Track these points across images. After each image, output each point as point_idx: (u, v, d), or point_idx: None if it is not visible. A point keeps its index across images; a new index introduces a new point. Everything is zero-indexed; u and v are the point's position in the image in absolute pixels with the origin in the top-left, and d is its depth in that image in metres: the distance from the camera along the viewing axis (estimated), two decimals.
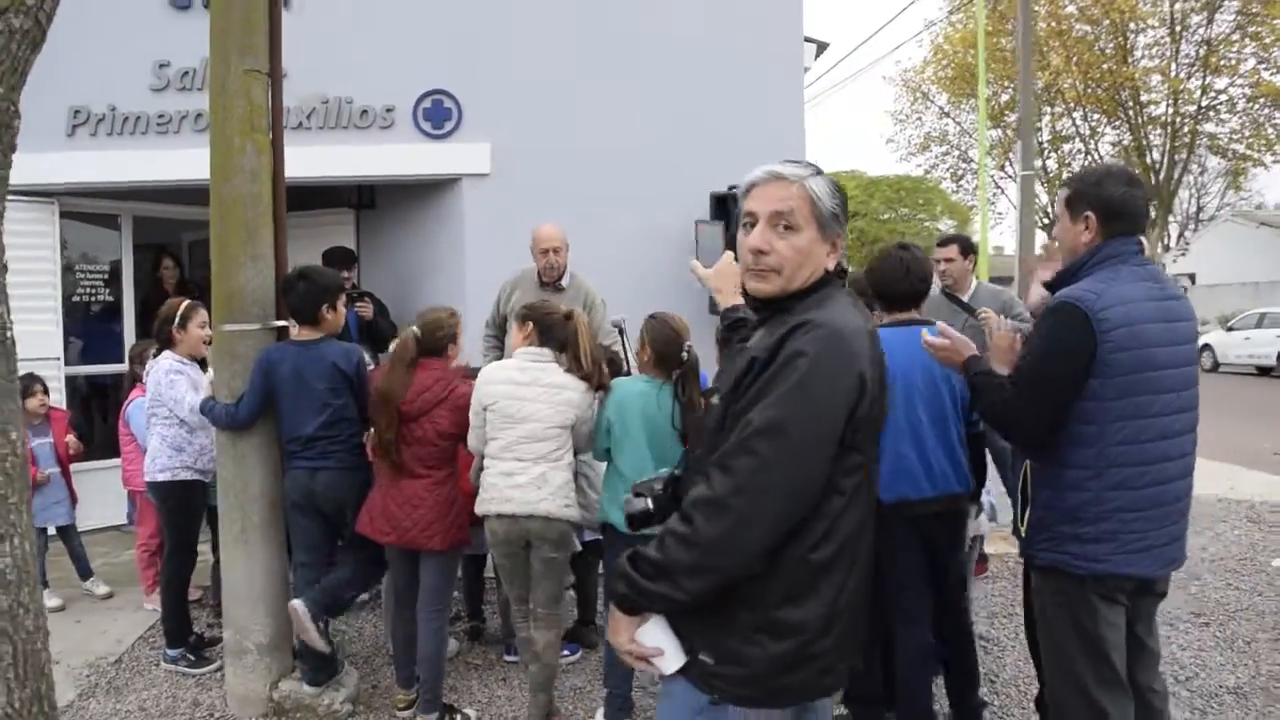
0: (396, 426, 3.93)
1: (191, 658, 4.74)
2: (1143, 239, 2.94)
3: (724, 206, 6.73)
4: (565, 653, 4.56)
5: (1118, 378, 2.70)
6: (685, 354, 3.89)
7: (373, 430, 4.03)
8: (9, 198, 2.23)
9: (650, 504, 2.27)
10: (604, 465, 4.11)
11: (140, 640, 5.18)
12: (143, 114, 6.68)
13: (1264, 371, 23.31)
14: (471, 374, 4.25)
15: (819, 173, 2.11)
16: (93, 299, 7.59)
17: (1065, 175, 37.19)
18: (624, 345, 4.87)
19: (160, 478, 4.73)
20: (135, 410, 5.35)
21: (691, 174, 6.91)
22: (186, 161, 6.48)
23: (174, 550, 4.79)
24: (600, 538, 4.28)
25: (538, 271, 5.49)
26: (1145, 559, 2.79)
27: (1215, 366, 25.06)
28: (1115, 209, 2.86)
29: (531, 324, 3.98)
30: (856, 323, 2.00)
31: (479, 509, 3.89)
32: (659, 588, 1.92)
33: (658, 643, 2.00)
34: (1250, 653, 4.83)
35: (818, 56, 8.13)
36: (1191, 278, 40.95)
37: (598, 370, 3.96)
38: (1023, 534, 3.00)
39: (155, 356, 4.93)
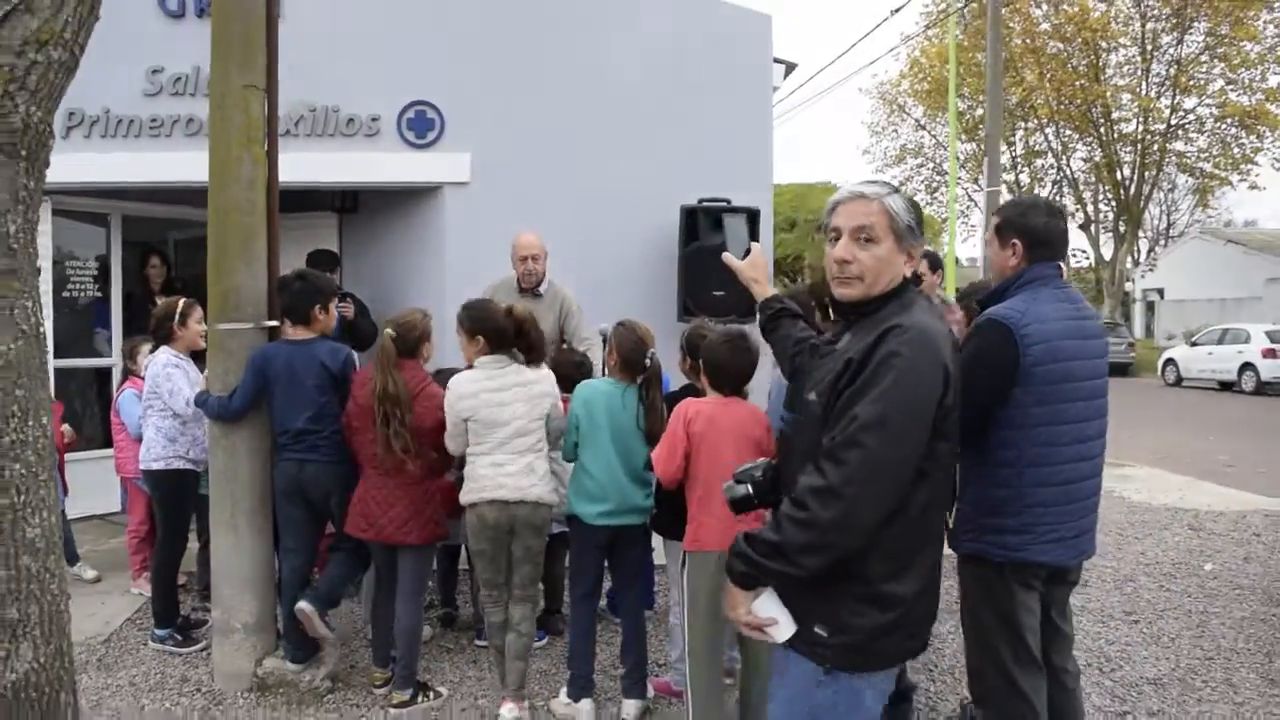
0: (405, 421, 4.15)
1: (179, 637, 4.99)
2: (1061, 264, 3.27)
3: (693, 219, 7.01)
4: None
5: (1037, 387, 3.02)
6: (648, 361, 4.17)
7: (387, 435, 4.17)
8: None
9: (751, 490, 2.58)
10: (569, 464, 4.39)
11: (128, 622, 5.42)
12: (136, 117, 6.88)
13: (1226, 386, 23.80)
14: (441, 375, 4.52)
15: (896, 190, 2.41)
16: (81, 294, 7.81)
17: (1035, 190, 37.94)
18: (603, 351, 5.16)
19: (155, 466, 4.98)
20: (126, 402, 5.60)
21: (663, 188, 7.18)
22: (177, 164, 6.73)
23: (166, 536, 5.04)
24: (567, 530, 4.55)
25: (517, 278, 5.77)
26: (1057, 549, 3.10)
27: (1179, 381, 25.54)
28: (1039, 237, 3.19)
29: (482, 337, 4.16)
30: (937, 324, 2.32)
31: (466, 498, 4.12)
32: (777, 565, 2.20)
33: (771, 614, 2.30)
34: (1173, 648, 5.17)
35: (786, 76, 8.44)
36: (1160, 293, 41.67)
37: (533, 352, 4.24)
38: (950, 526, 3.32)
39: (151, 352, 5.18)
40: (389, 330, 4.26)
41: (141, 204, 7.90)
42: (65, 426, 5.98)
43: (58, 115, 7.04)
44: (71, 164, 6.85)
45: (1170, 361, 26.29)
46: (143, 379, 5.34)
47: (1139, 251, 45.30)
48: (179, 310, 5.08)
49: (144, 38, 6.87)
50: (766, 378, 4.06)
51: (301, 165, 6.59)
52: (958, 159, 34.24)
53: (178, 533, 5.08)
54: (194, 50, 6.64)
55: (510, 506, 4.05)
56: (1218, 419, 17.29)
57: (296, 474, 4.40)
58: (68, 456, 6.33)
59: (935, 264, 6.11)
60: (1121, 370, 29.27)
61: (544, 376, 4.22)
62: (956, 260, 21.27)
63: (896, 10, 22.58)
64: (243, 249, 4.33)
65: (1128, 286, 43.10)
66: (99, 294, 7.88)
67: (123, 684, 4.58)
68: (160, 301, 5.82)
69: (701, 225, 7.01)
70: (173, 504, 5.07)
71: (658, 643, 4.91)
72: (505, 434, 4.07)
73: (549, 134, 7.27)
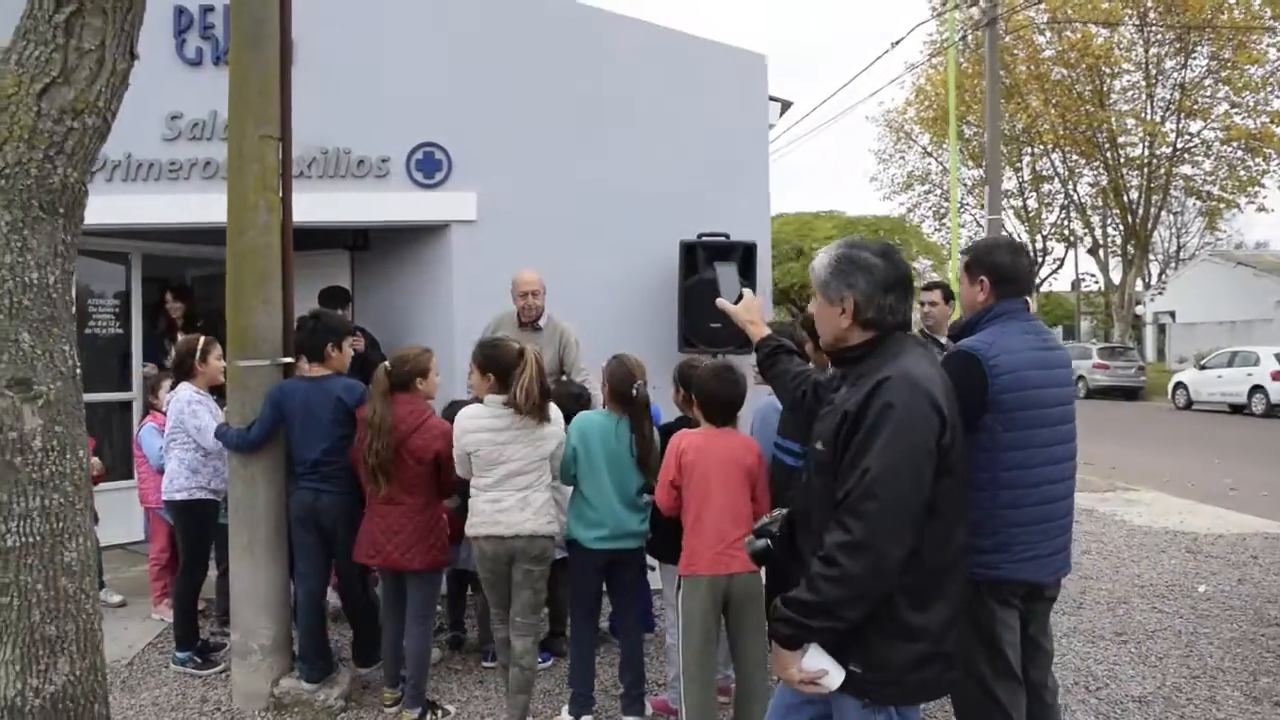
0: (390, 450, 4.38)
1: (198, 660, 5.20)
2: (1028, 298, 3.48)
3: (692, 254, 7.26)
4: (539, 660, 5.03)
5: (1005, 413, 3.21)
6: (635, 392, 4.36)
7: (365, 457, 4.42)
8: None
9: (770, 543, 2.80)
10: (570, 489, 4.58)
11: (150, 646, 5.64)
12: (156, 161, 7.15)
13: (1236, 409, 23.80)
14: (452, 408, 4.74)
15: (836, 249, 2.71)
16: (103, 330, 8.07)
17: (1043, 214, 38.11)
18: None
19: (178, 497, 5.21)
20: (147, 435, 5.84)
21: (663, 224, 7.44)
22: (195, 205, 7.02)
23: (188, 563, 5.27)
24: (568, 555, 4.73)
25: (517, 312, 6.01)
26: (1033, 566, 3.27)
27: (1189, 404, 25.52)
28: (1004, 274, 3.40)
29: (493, 375, 4.31)
30: (927, 368, 2.55)
31: (469, 531, 4.33)
32: (822, 622, 2.42)
33: (821, 665, 2.47)
34: (1160, 667, 5.32)
35: (782, 114, 8.72)
36: (1172, 315, 41.72)
37: (534, 407, 4.23)
38: None
39: (173, 387, 5.42)
40: (384, 364, 4.52)
41: (160, 243, 8.18)
42: (95, 459, 6.22)
43: None
44: (94, 206, 6.91)
45: (1180, 385, 26.29)
46: (163, 413, 5.57)
47: (1150, 274, 45.42)
48: (200, 347, 5.32)
49: (164, 85, 7.15)
50: (747, 408, 4.26)
51: (315, 205, 6.85)
52: (964, 185, 34.59)
53: (199, 560, 5.31)
54: (211, 97, 6.94)
55: (506, 541, 4.25)
56: (1225, 442, 17.36)
57: (312, 502, 4.63)
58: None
59: (949, 295, 6.35)
60: (1132, 394, 29.33)
61: (557, 417, 4.38)
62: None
63: (897, 43, 23.01)
64: (259, 289, 4.57)
65: (1139, 309, 43.19)
66: (120, 330, 8.14)
67: (146, 704, 4.79)
68: (181, 338, 6.06)
69: (700, 259, 7.26)
70: (195, 532, 5.29)
71: (657, 664, 5.10)
72: (504, 471, 4.25)
73: (552, 173, 7.53)
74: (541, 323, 6.04)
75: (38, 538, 2.57)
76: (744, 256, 7.30)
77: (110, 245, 7.87)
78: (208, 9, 7.27)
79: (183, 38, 7.24)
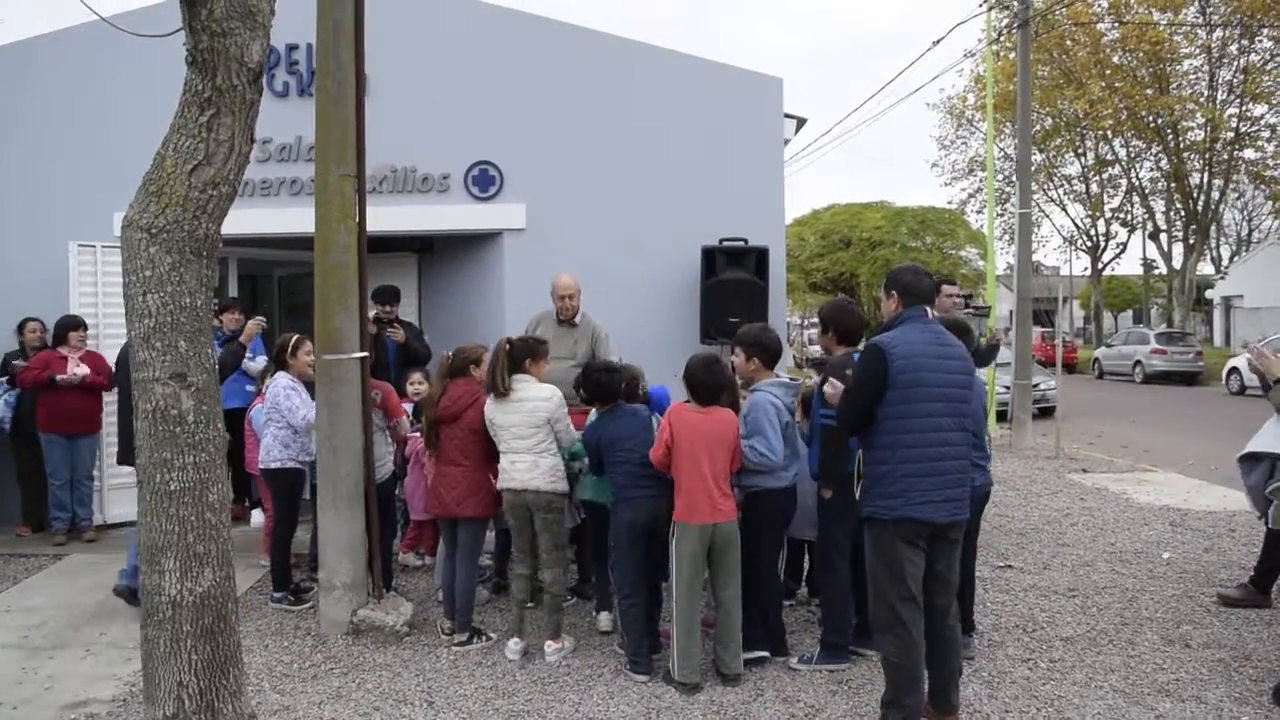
0: (435, 424, 5.55)
1: (291, 599, 6.34)
2: (928, 308, 4.43)
3: (712, 258, 8.25)
4: (566, 600, 6.10)
5: (901, 390, 4.18)
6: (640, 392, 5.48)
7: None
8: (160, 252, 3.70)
9: None
10: None
11: (251, 589, 6.79)
12: (250, 180, 8.28)
13: None
14: None
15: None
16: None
17: (1105, 199, 38.01)
18: None
19: (273, 466, 6.34)
20: (257, 414, 7.01)
21: (686, 231, 8.50)
22: (284, 218, 8.22)
23: (280, 520, 6.41)
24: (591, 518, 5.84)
25: (556, 311, 7.02)
26: (927, 508, 4.20)
27: (1242, 389, 25.44)
28: (908, 289, 4.39)
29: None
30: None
31: (499, 485, 5.43)
32: None
33: None
34: (1097, 616, 6.10)
35: (797, 131, 9.61)
36: (1241, 299, 41.31)
37: (493, 384, 5.40)
38: (857, 496, 4.48)
39: (271, 376, 6.54)
40: (447, 353, 5.69)
41: (252, 249, 9.43)
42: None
43: None
44: None
45: (1234, 370, 26.33)
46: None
47: (1220, 259, 45.00)
48: (291, 344, 6.43)
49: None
50: None
51: (387, 216, 8.00)
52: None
53: (289, 517, 6.44)
54: (297, 124, 8.16)
55: (520, 493, 5.35)
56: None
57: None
58: None
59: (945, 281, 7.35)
60: (1190, 379, 29.39)
61: (548, 396, 5.40)
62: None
63: (937, 42, 23.52)
64: (341, 299, 5.66)
65: (1209, 293, 42.90)
66: (217, 323, 9.35)
67: (251, 631, 5.90)
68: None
69: (719, 262, 8.25)
70: (286, 495, 6.42)
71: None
72: (509, 435, 5.37)
73: (591, 186, 8.62)
74: (577, 320, 7.01)
75: (191, 483, 3.65)
76: (758, 259, 8.28)
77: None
78: (293, 47, 8.44)
79: (272, 73, 8.39)
